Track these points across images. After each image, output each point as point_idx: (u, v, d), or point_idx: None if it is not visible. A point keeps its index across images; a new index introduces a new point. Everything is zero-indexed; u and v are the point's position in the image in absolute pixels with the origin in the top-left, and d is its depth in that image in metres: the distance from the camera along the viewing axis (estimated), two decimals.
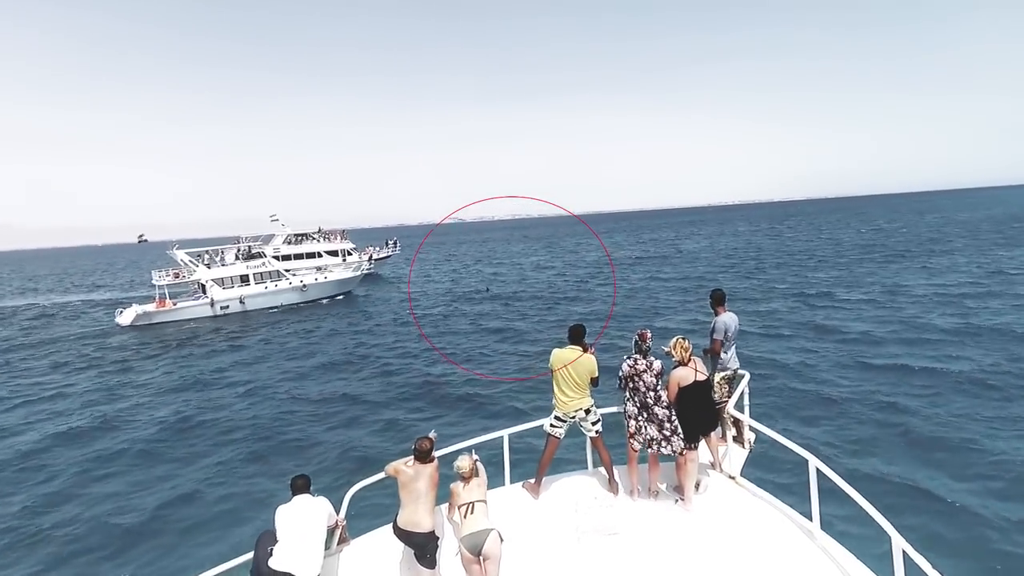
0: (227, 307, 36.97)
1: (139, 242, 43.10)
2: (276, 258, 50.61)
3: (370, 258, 53.85)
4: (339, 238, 56.44)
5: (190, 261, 37.21)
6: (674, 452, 5.44)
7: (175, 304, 36.05)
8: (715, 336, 6.32)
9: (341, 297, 42.77)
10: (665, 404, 5.53)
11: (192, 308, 36.32)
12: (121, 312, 34.93)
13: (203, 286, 37.22)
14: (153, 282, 37.28)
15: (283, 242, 52.51)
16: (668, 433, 5.46)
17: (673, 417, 5.51)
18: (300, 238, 54.01)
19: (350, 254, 54.96)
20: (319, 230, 55.96)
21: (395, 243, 65.41)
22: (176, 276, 37.25)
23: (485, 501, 4.73)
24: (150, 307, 35.45)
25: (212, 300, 36.45)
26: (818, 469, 4.66)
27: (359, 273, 45.70)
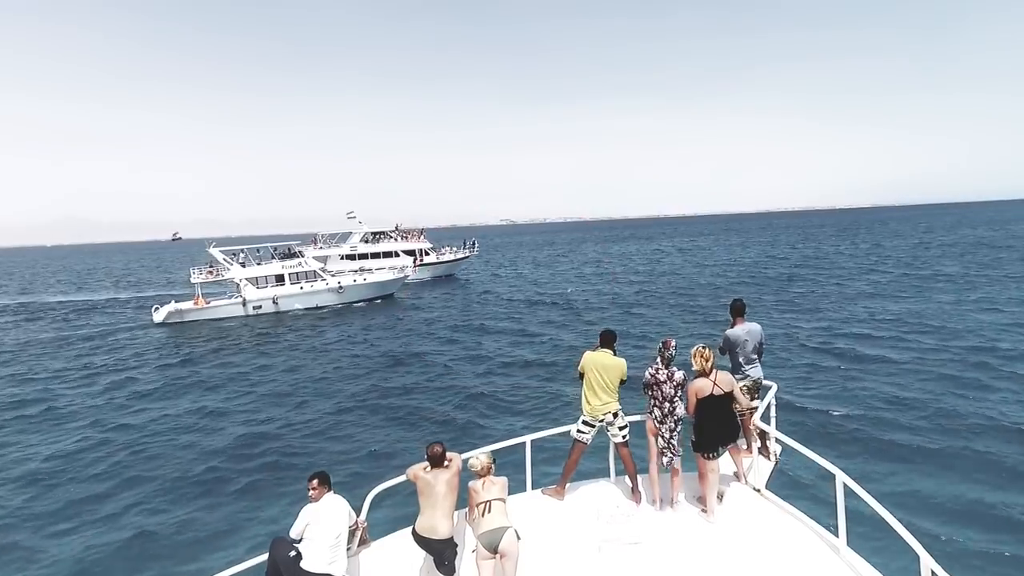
0: (259, 307, 37.71)
1: (173, 240, 43.77)
2: (352, 257, 52.19)
3: (414, 260, 52.67)
4: (417, 237, 56.01)
5: (224, 259, 37.96)
6: (664, 466, 5.72)
7: (208, 303, 37.08)
8: (720, 344, 6.65)
9: (380, 300, 42.00)
10: (677, 418, 5.63)
11: (224, 307, 37.28)
12: (157, 309, 36.20)
13: (238, 285, 38.10)
14: (191, 280, 38.33)
15: (360, 240, 53.22)
16: (669, 446, 5.67)
17: (677, 432, 5.67)
18: (378, 236, 54.25)
19: (427, 254, 54.73)
20: (396, 228, 55.88)
21: (473, 244, 62.31)
22: (209, 274, 38.18)
23: (504, 500, 4.84)
24: (185, 305, 36.61)
25: (244, 299, 37.27)
26: (845, 484, 4.66)
27: (401, 276, 44.35)
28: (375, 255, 52.25)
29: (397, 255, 52.73)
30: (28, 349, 29.42)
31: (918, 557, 3.97)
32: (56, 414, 18.39)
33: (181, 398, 19.68)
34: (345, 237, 54.93)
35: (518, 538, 4.62)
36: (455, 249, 60.09)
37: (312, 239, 54.92)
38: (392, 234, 55.00)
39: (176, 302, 37.09)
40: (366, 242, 53.31)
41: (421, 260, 53.76)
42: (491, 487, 4.89)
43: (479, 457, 5.05)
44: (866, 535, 5.42)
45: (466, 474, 5.05)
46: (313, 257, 51.11)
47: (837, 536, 4.83)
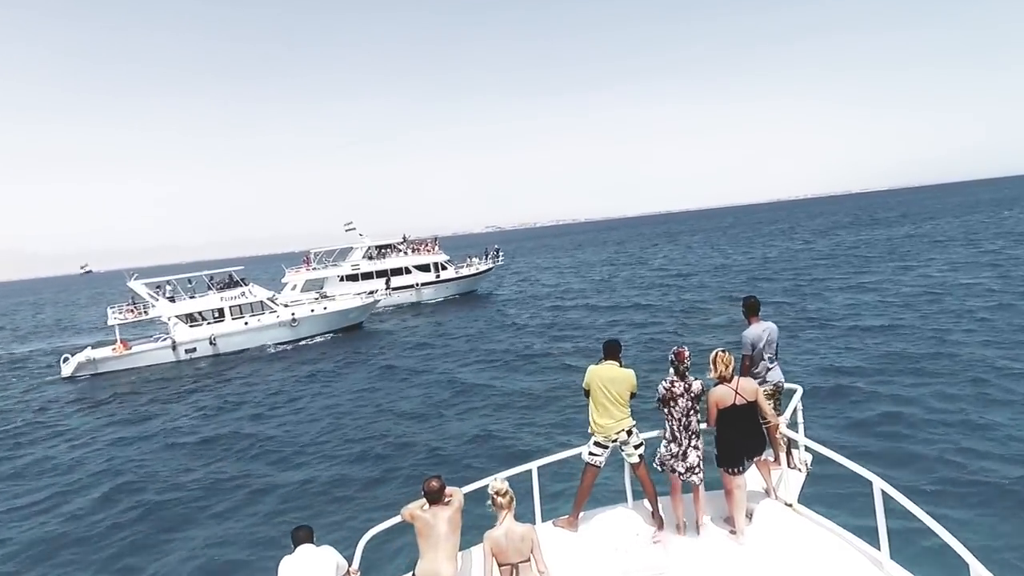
0: (194, 349, 33.61)
1: (82, 273, 38.84)
2: (354, 277, 46.72)
3: (387, 283, 44.75)
4: (431, 248, 49.69)
5: (149, 293, 33.90)
6: (693, 482, 5.46)
7: (129, 349, 32.95)
8: (742, 351, 6.29)
9: (342, 333, 37.42)
10: (694, 431, 5.48)
11: (150, 353, 33.25)
12: (66, 360, 32.10)
13: (167, 324, 33.99)
14: (109, 322, 33.68)
15: (363, 256, 47.84)
16: (689, 463, 5.44)
17: (698, 446, 5.47)
18: (383, 251, 48.73)
19: (444, 268, 48.97)
20: (403, 239, 49.79)
21: (496, 252, 54.85)
22: (131, 312, 33.90)
23: (530, 560, 4.49)
24: (102, 352, 32.58)
25: (174, 342, 33.14)
26: (884, 491, 4.58)
27: (369, 302, 39.07)
28: (382, 273, 46.18)
29: (408, 271, 47.50)
30: None
31: (967, 565, 3.87)
32: None
33: (98, 463, 17.72)
34: (345, 254, 48.89)
35: None
36: (477, 261, 52.65)
37: (304, 258, 49.31)
38: (400, 247, 49.15)
39: (92, 349, 32.76)
40: (370, 258, 47.80)
41: (438, 275, 48.68)
42: (515, 541, 4.47)
43: (499, 480, 4.72)
44: (910, 546, 5.34)
45: (479, 512, 4.65)
46: (307, 280, 46.69)
47: (879, 549, 4.72)
